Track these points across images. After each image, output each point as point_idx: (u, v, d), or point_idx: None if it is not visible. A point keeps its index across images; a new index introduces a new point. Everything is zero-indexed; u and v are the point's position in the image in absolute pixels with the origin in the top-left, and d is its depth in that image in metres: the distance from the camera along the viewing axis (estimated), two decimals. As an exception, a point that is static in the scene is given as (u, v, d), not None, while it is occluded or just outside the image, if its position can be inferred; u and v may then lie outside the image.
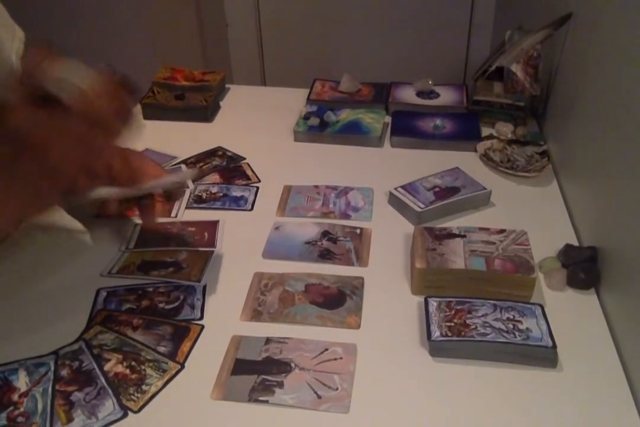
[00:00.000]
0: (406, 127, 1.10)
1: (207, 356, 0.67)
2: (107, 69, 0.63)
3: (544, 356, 0.65)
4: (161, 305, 0.74)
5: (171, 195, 0.83)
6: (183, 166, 1.02)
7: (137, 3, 1.98)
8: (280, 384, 0.64)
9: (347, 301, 0.75)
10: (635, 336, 0.67)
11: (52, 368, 0.65)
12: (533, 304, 0.71)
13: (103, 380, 0.64)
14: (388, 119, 1.14)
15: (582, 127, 0.92)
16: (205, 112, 1.16)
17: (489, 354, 0.66)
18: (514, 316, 0.68)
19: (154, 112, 1.16)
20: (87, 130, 0.60)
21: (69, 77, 0.59)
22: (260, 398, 0.62)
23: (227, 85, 1.29)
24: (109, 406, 0.62)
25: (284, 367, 0.66)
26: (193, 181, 0.97)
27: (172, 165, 1.02)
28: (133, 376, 0.65)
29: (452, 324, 0.68)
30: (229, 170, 1.01)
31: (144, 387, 0.64)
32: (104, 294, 0.75)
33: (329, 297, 0.75)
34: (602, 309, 0.74)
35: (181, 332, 0.70)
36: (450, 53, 2.25)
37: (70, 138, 0.59)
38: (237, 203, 0.93)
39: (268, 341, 0.69)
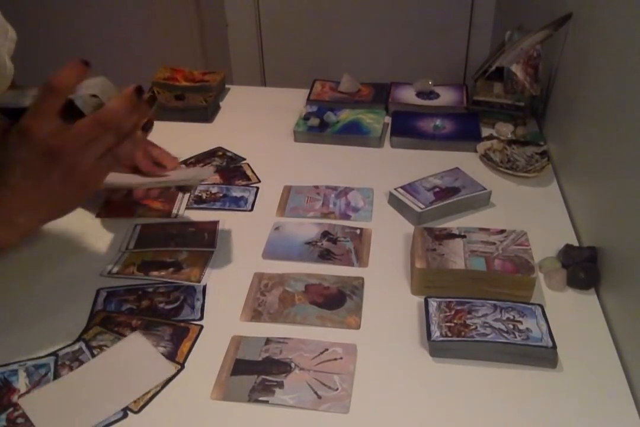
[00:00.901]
0: (406, 128, 1.10)
1: (207, 356, 0.67)
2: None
3: (544, 356, 0.65)
4: (161, 305, 0.74)
5: (184, 188, 0.91)
6: (183, 166, 1.02)
7: (137, 3, 1.99)
8: (280, 384, 0.64)
9: (347, 301, 0.75)
10: (635, 336, 0.67)
11: (52, 369, 0.65)
12: (533, 304, 0.71)
13: (103, 380, 0.64)
14: (388, 119, 1.14)
15: (582, 127, 0.92)
16: (205, 113, 1.16)
17: (489, 354, 0.66)
18: (514, 316, 0.68)
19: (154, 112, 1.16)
20: (111, 142, 0.63)
21: (97, 94, 0.63)
22: (260, 398, 0.62)
23: (227, 86, 1.29)
24: (109, 407, 0.62)
25: (284, 367, 0.66)
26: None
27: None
28: (133, 376, 0.65)
29: (452, 324, 0.68)
30: (229, 171, 1.01)
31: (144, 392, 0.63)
32: (104, 294, 0.75)
33: (329, 297, 0.75)
34: (602, 309, 0.74)
35: (180, 333, 0.70)
36: (450, 53, 2.25)
37: (96, 149, 0.63)
38: (237, 203, 0.93)
39: (268, 341, 0.69)
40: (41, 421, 0.59)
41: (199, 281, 0.77)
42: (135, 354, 0.67)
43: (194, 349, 0.68)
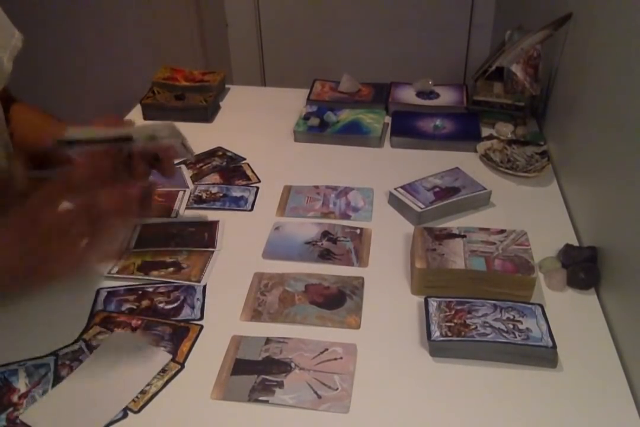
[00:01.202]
0: (406, 128, 1.10)
1: (207, 356, 0.67)
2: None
3: (544, 356, 0.65)
4: (161, 305, 0.74)
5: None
6: (183, 166, 1.02)
7: (137, 3, 1.98)
8: (280, 384, 0.64)
9: (347, 301, 0.75)
10: (635, 336, 0.67)
11: (52, 369, 0.65)
12: (533, 304, 0.71)
13: (103, 380, 0.64)
14: (388, 119, 1.14)
15: (582, 127, 0.92)
16: (205, 113, 1.17)
17: (489, 354, 0.66)
18: (514, 316, 0.68)
19: (154, 112, 1.16)
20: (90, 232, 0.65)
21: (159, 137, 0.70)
22: (260, 398, 0.62)
23: (227, 86, 1.29)
24: (109, 406, 0.62)
25: (284, 367, 0.66)
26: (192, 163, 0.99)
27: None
28: (133, 376, 0.65)
29: (452, 324, 0.68)
30: (229, 171, 1.01)
31: (144, 387, 0.63)
32: (104, 294, 0.75)
33: (329, 297, 0.75)
34: (602, 309, 0.74)
35: (180, 333, 0.70)
36: (450, 53, 2.25)
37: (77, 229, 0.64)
38: (237, 203, 0.93)
39: (268, 341, 0.69)
40: None
41: (199, 281, 0.77)
42: (126, 350, 0.67)
43: (194, 349, 0.68)
